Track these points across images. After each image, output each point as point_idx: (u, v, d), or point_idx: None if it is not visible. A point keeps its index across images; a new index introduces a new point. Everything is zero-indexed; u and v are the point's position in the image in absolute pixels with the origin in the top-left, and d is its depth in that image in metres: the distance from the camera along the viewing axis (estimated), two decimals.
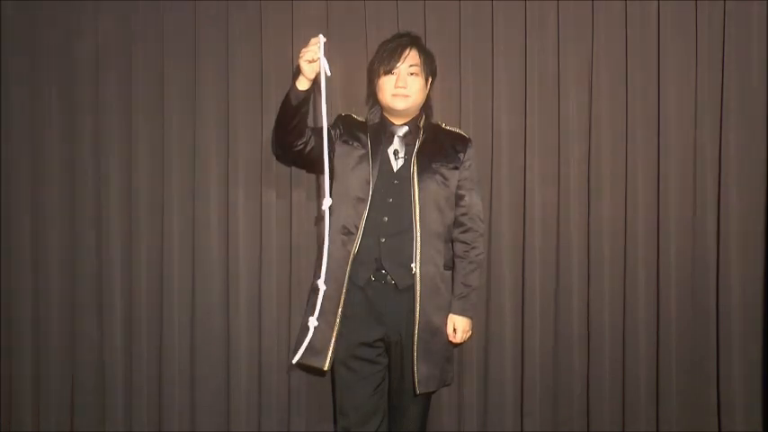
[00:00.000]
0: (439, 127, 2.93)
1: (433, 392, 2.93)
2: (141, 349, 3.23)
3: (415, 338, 2.79)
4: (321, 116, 2.69)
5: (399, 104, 2.81)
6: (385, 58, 2.79)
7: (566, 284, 3.09)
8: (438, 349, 2.84)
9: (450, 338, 2.87)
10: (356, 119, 2.94)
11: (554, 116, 3.07)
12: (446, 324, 2.86)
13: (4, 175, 3.27)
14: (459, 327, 2.87)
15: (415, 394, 2.84)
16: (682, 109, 3.03)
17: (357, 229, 2.78)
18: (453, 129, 2.96)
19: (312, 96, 2.79)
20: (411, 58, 2.79)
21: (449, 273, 2.87)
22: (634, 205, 3.06)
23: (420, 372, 2.80)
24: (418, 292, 2.77)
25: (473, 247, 2.87)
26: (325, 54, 2.64)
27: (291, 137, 2.80)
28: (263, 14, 3.12)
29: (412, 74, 2.79)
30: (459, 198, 2.87)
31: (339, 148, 2.85)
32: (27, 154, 3.24)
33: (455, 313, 2.86)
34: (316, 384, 3.12)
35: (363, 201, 2.78)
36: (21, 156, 3.25)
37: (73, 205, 3.24)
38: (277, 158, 3.11)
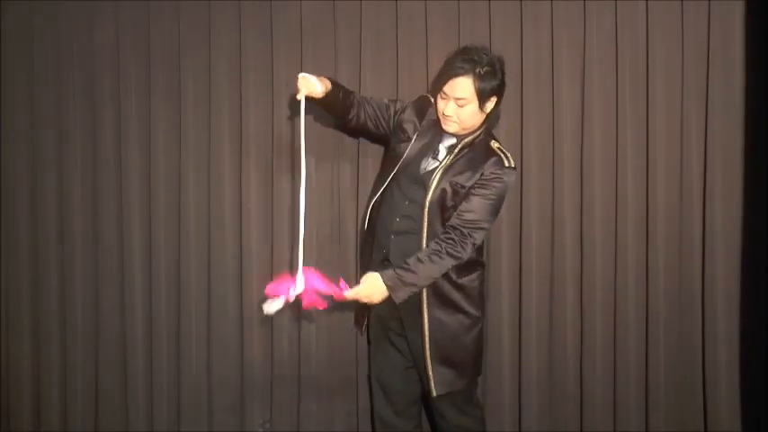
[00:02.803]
0: (485, 146, 2.85)
1: (465, 391, 2.95)
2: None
3: (427, 340, 2.83)
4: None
5: (448, 128, 2.83)
6: (440, 80, 2.80)
7: (560, 281, 3.18)
8: (457, 353, 2.86)
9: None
10: (430, 105, 2.92)
11: (548, 115, 3.15)
12: (464, 330, 2.86)
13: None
14: (367, 281, 2.77)
15: (432, 396, 2.89)
16: (669, 107, 3.12)
17: (369, 209, 2.93)
18: (499, 150, 2.84)
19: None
20: (460, 90, 2.74)
21: (462, 280, 2.85)
22: (624, 204, 3.16)
23: (437, 373, 2.84)
24: (425, 299, 2.82)
25: (440, 251, 2.75)
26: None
27: (338, 113, 2.95)
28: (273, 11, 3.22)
29: (460, 106, 2.76)
30: (462, 200, 2.79)
31: (394, 127, 2.94)
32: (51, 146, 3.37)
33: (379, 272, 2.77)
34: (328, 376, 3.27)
35: (383, 186, 2.89)
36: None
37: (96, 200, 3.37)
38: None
